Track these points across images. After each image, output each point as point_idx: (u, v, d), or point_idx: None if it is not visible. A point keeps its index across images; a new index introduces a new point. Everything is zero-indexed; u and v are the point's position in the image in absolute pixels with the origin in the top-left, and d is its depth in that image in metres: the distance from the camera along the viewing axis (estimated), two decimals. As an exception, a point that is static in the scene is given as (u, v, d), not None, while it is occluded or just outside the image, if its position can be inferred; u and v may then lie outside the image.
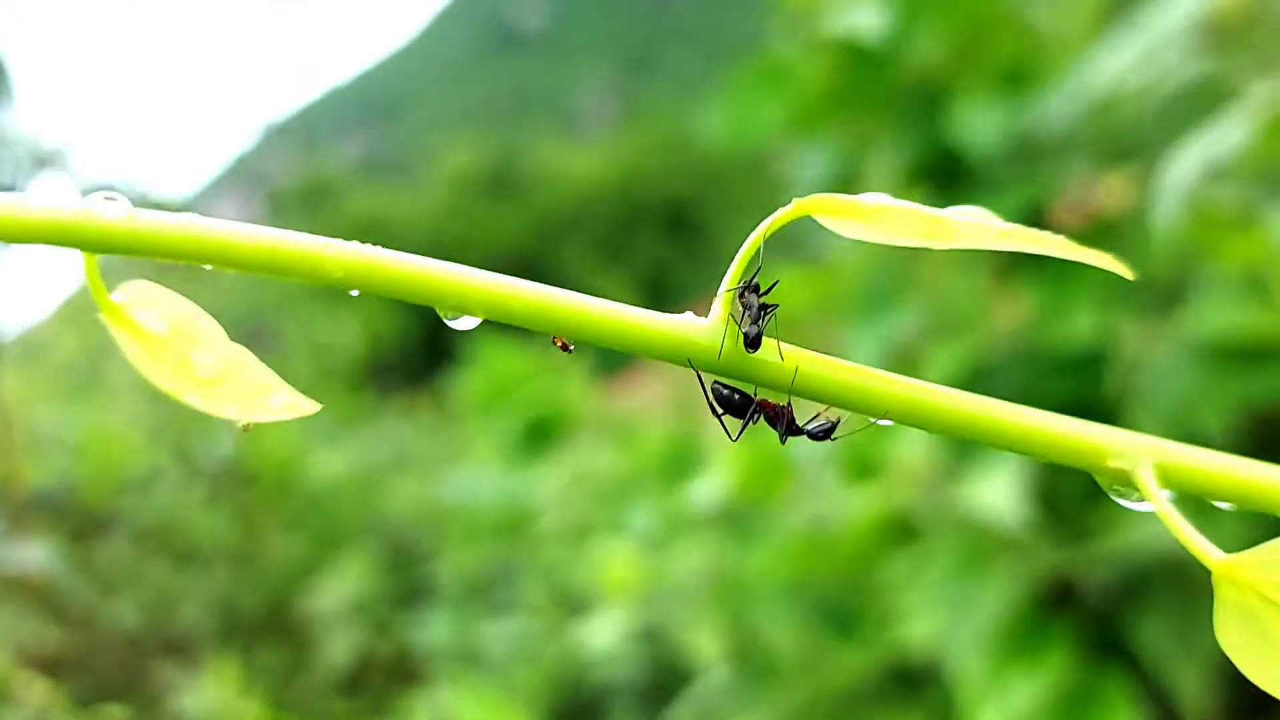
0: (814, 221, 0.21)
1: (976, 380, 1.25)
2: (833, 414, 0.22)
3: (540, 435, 1.91)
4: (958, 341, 1.25)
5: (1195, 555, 0.19)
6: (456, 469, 2.45)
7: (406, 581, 2.40)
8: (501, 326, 0.21)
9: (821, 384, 0.21)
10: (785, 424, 0.22)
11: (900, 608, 1.24)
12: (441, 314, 0.20)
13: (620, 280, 9.80)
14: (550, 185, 11.95)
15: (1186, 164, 1.11)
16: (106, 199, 0.20)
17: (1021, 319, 1.27)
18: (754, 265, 0.21)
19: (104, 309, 0.21)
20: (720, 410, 0.22)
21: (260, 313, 3.47)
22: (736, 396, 0.22)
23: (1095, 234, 1.30)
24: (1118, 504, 0.20)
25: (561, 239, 11.23)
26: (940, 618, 1.12)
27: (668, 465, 1.52)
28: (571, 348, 0.22)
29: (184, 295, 0.21)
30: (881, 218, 0.20)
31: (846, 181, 1.38)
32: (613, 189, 11.67)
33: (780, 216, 0.20)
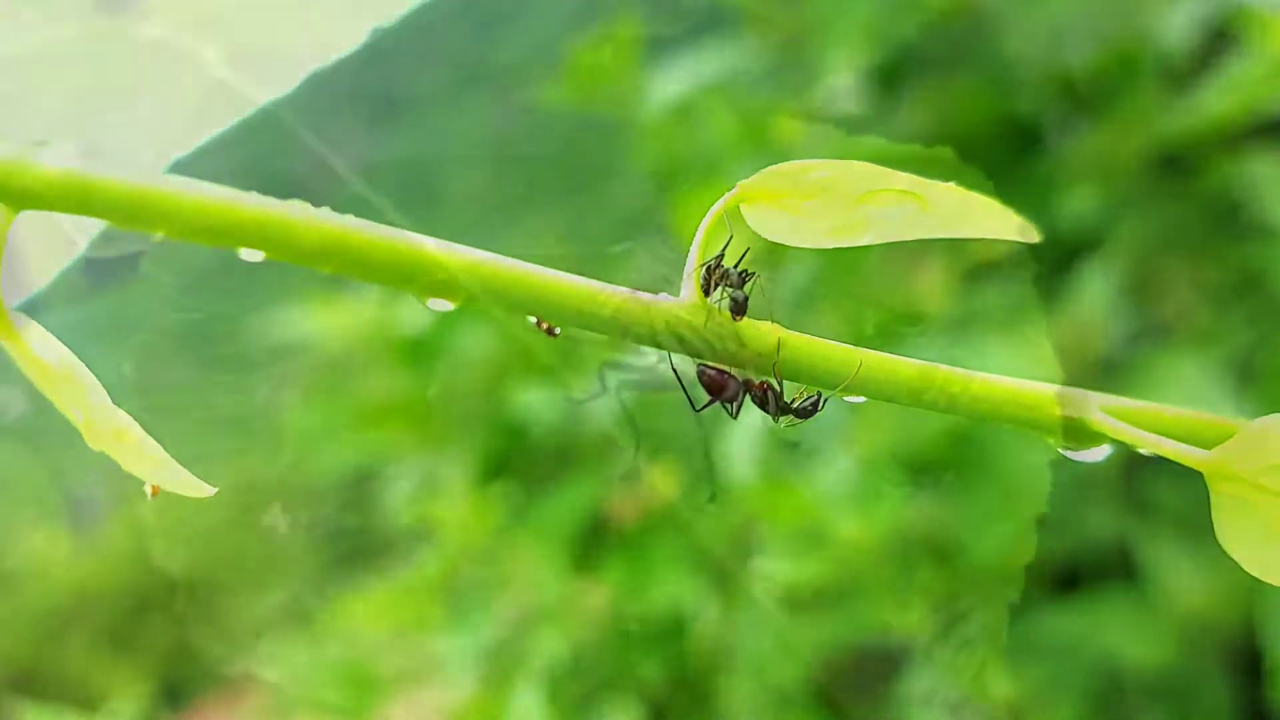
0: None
1: (578, 669, 1.24)
2: (811, 393, 0.21)
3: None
4: (553, 632, 1.24)
5: (1184, 462, 0.19)
6: None
7: None
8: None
9: (803, 359, 0.20)
10: (775, 402, 0.21)
11: None
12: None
13: (131, 672, 8.55)
14: (45, 580, 10.41)
15: (739, 445, 1.24)
16: None
17: (607, 602, 1.30)
18: (719, 243, 0.20)
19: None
20: (708, 396, 0.20)
21: None
22: (724, 377, 0.20)
23: (652, 525, 1.39)
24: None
25: (63, 637, 9.69)
26: None
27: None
28: (557, 331, 0.18)
29: None
30: (824, 189, 0.20)
31: (432, 489, 1.37)
32: (117, 576, 10.46)
33: (730, 199, 0.20)
